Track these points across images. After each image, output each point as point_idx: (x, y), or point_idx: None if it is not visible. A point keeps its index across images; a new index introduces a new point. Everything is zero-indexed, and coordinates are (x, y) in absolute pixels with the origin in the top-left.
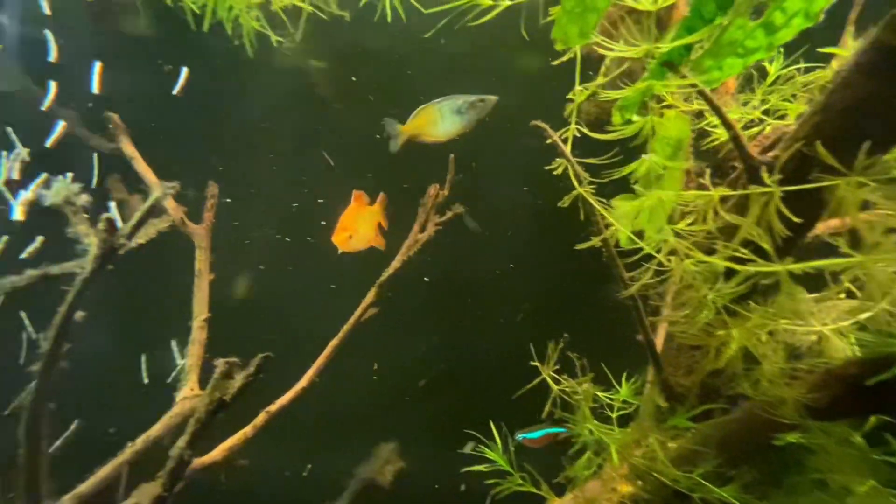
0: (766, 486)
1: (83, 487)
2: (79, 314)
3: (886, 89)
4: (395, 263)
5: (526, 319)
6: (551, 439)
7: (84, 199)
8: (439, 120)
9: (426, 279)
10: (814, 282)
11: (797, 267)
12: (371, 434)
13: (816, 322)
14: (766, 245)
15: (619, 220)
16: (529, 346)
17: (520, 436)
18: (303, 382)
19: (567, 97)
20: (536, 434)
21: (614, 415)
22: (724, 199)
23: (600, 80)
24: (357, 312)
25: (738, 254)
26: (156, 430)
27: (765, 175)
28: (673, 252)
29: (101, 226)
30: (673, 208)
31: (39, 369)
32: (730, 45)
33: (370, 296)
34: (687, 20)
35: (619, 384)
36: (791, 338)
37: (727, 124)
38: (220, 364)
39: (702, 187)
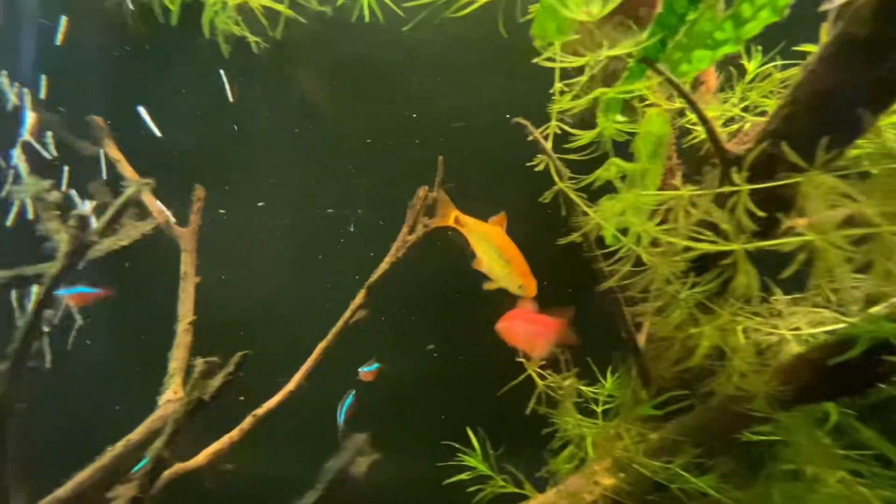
0: (743, 477)
1: (61, 491)
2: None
3: (850, 81)
4: (384, 265)
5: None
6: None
7: (55, 195)
8: None
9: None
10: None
11: (753, 246)
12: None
13: (782, 325)
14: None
15: (606, 218)
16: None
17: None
18: (290, 385)
19: (550, 93)
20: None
21: (599, 409)
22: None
23: (584, 79)
24: (346, 314)
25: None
26: (137, 433)
27: (734, 171)
28: (654, 246)
29: (71, 222)
30: (655, 206)
31: (7, 369)
32: (699, 37)
33: (359, 298)
34: (660, 16)
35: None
36: (757, 336)
37: (703, 119)
38: (199, 363)
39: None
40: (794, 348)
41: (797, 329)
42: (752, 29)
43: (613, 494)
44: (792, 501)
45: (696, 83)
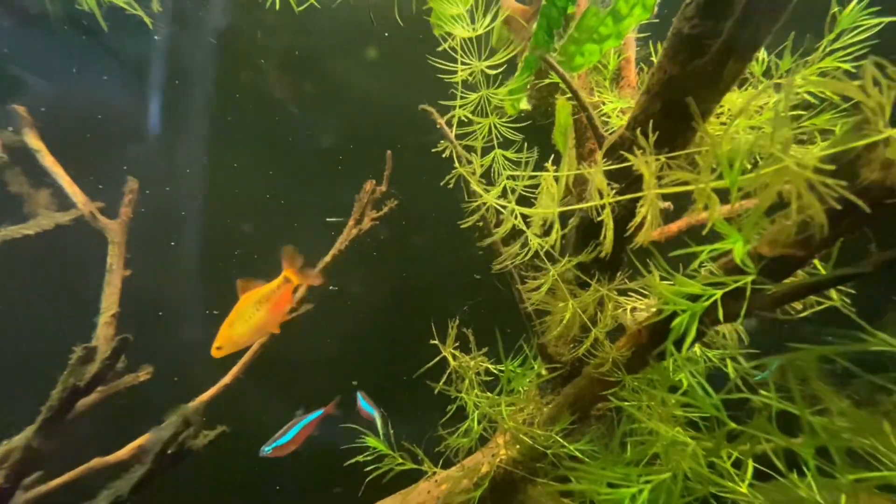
0: (607, 439)
1: None
2: None
3: (682, 71)
4: (327, 258)
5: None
6: (305, 436)
7: None
8: None
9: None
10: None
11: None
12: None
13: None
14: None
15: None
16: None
17: (266, 449)
18: (227, 379)
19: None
20: (284, 439)
21: (524, 387)
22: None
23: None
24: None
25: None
26: (24, 436)
27: (599, 153)
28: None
29: None
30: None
31: None
32: (587, 32)
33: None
34: (544, 8)
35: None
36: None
37: (582, 107)
38: (77, 349)
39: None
40: (641, 317)
41: (646, 302)
42: (629, 24)
43: (507, 465)
44: (637, 455)
45: (618, 78)
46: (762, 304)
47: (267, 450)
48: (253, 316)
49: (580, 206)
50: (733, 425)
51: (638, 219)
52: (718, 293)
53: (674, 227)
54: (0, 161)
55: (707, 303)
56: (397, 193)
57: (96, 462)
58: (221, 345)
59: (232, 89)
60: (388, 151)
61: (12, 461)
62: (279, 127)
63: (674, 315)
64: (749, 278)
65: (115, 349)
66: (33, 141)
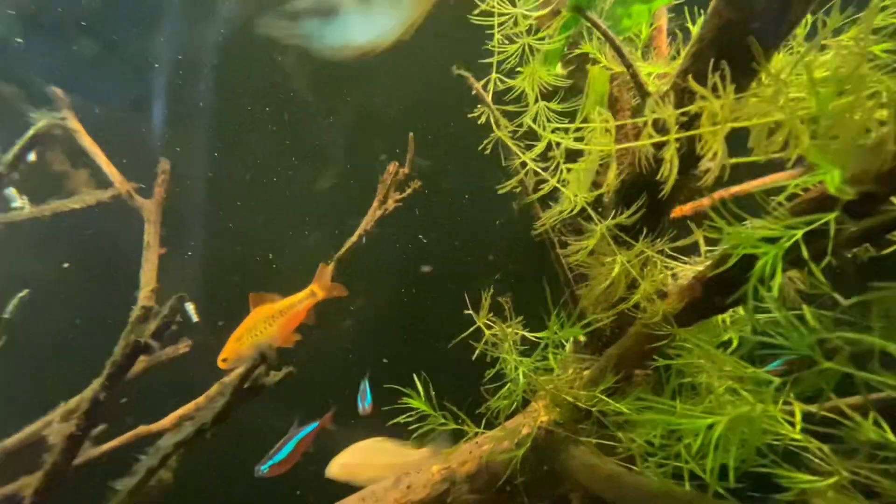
0: (656, 395)
1: (9, 442)
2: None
3: (741, 15)
4: (353, 238)
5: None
6: (301, 451)
7: None
8: None
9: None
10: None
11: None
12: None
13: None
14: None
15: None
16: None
17: (262, 467)
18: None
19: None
20: (280, 456)
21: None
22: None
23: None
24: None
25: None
26: (91, 388)
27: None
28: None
29: None
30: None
31: None
32: None
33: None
34: None
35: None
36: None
37: (626, 64)
38: (136, 309)
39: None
40: (693, 270)
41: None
42: None
43: (549, 427)
44: (689, 411)
45: (649, 47)
46: (843, 243)
47: (263, 468)
48: (264, 331)
49: (637, 143)
50: (829, 364)
51: (708, 156)
52: (799, 232)
53: (706, 201)
54: (60, 121)
55: (789, 242)
56: (417, 176)
57: (141, 430)
58: (227, 357)
59: (244, 79)
60: (410, 134)
61: (82, 411)
62: (294, 123)
63: (736, 267)
64: (833, 215)
65: (172, 307)
66: (71, 122)
